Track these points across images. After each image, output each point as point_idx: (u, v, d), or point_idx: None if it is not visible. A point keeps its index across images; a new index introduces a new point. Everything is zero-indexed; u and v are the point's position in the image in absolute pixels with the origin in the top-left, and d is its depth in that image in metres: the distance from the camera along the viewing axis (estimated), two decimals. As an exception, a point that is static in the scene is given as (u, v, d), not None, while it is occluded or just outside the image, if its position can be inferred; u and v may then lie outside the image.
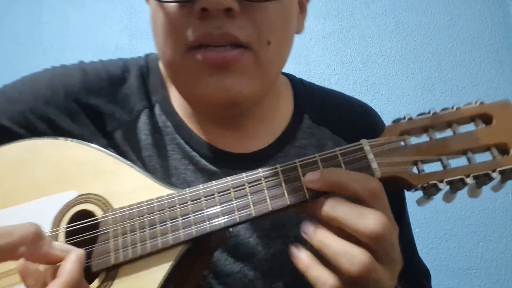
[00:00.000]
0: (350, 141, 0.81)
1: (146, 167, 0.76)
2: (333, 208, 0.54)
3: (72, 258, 0.51)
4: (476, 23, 2.22)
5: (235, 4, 0.61)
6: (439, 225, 1.98)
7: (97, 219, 0.61)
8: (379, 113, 0.92)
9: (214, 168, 0.76)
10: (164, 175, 0.76)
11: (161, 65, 0.82)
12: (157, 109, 0.79)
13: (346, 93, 0.94)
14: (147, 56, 0.85)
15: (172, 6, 0.64)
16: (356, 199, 0.55)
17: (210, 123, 0.78)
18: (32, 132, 0.74)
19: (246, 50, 0.65)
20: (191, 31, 0.64)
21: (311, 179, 0.57)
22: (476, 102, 0.60)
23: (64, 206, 0.63)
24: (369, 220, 0.52)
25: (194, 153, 0.77)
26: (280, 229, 0.76)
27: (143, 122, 0.78)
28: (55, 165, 0.67)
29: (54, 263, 0.53)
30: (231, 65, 0.64)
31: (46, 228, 0.62)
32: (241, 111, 0.76)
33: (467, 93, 2.16)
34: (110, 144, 0.76)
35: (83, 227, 0.61)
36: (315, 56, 2.28)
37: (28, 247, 0.49)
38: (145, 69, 0.82)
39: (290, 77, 0.90)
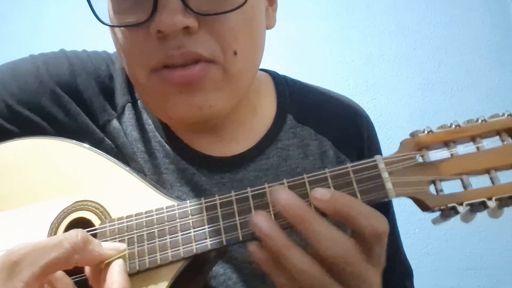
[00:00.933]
0: (334, 141, 0.79)
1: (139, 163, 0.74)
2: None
3: (116, 270, 0.52)
4: (476, 23, 2.21)
5: (192, 21, 0.57)
6: (439, 225, 1.94)
7: (95, 229, 0.58)
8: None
9: (194, 170, 0.74)
10: (149, 172, 0.73)
11: None
12: (140, 105, 0.77)
13: (346, 93, 0.90)
14: None
15: (127, 29, 0.61)
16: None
17: (189, 129, 0.76)
18: (25, 127, 0.70)
19: (212, 63, 0.61)
20: (151, 53, 0.60)
21: (320, 197, 0.51)
22: (504, 114, 0.54)
23: (61, 213, 0.61)
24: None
25: (174, 153, 0.74)
26: None
27: (127, 116, 0.75)
28: (53, 168, 0.64)
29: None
30: (197, 82, 0.61)
31: (43, 235, 0.60)
32: (217, 121, 0.73)
33: (467, 93, 2.15)
34: (107, 136, 0.74)
35: None
36: (315, 56, 2.26)
37: (80, 254, 0.50)
38: None
39: (272, 74, 0.85)
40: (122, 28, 0.61)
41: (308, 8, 2.31)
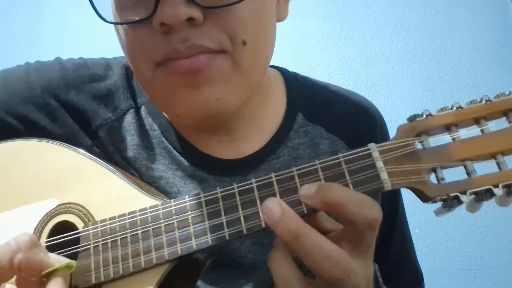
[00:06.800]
0: (346, 139, 0.75)
1: (131, 169, 0.70)
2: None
3: None
4: (476, 24, 2.18)
5: (196, 12, 0.53)
6: (439, 225, 1.94)
7: (78, 233, 0.56)
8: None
9: (204, 174, 0.70)
10: (150, 179, 0.70)
11: None
12: (143, 111, 0.73)
13: (346, 93, 0.87)
14: None
15: (130, 26, 0.58)
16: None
17: (197, 129, 0.72)
18: (7, 133, 0.67)
19: (220, 53, 0.57)
20: (156, 48, 0.56)
21: (306, 193, 0.48)
22: (510, 93, 0.50)
23: (44, 216, 0.58)
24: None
25: (182, 159, 0.71)
26: (271, 235, 0.70)
27: (128, 121, 0.72)
28: (34, 170, 0.61)
29: None
30: (203, 72, 0.56)
31: None
32: (227, 119, 0.68)
33: (467, 93, 2.11)
34: (95, 143, 0.70)
35: (63, 241, 0.56)
36: (315, 56, 2.24)
37: (24, 253, 0.47)
38: (129, 70, 0.75)
39: (283, 71, 0.82)
40: (125, 25, 0.58)
41: (308, 8, 2.28)
